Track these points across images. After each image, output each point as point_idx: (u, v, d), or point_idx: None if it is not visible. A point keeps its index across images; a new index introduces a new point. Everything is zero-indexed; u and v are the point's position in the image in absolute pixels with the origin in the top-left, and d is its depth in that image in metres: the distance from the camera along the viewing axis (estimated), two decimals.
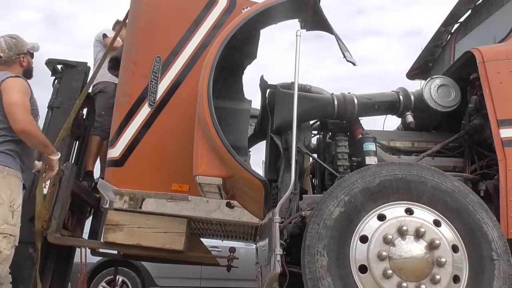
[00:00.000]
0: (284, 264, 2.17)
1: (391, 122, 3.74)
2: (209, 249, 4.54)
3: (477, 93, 2.79)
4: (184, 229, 3.78)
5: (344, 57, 2.91)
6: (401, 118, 3.11)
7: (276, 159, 3.08)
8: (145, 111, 3.81)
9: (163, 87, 3.83)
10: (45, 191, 3.67)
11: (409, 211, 2.26)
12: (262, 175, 2.83)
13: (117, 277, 6.07)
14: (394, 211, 2.25)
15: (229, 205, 3.77)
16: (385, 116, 3.24)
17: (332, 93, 2.99)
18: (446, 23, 4.20)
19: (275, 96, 2.86)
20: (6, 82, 2.94)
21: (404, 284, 2.10)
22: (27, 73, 3.24)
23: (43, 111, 3.55)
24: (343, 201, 2.25)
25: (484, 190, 2.66)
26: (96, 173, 4.61)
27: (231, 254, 5.06)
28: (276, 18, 3.11)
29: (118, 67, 4.06)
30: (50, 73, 4.46)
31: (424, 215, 2.25)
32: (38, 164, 3.24)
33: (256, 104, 3.45)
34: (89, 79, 4.40)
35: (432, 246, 2.17)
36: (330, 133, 3.07)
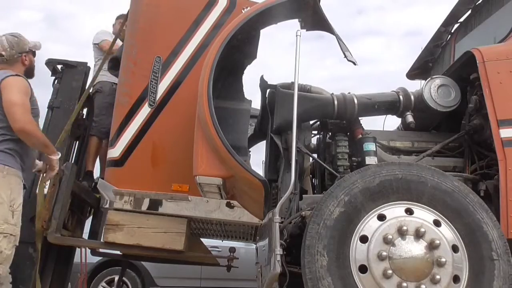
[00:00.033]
0: (284, 264, 2.17)
1: (391, 122, 3.74)
2: (209, 249, 4.54)
3: (477, 93, 2.79)
4: (184, 229, 3.78)
5: (345, 56, 2.91)
6: (401, 118, 3.11)
7: (276, 159, 3.08)
8: (145, 111, 3.81)
9: (163, 87, 3.83)
10: (45, 191, 3.67)
11: (409, 211, 2.26)
12: (262, 175, 2.83)
13: (118, 277, 6.09)
14: (394, 211, 2.25)
15: (229, 205, 3.77)
16: (385, 116, 3.24)
17: (332, 93, 2.99)
18: (446, 23, 4.20)
19: (275, 96, 2.86)
20: (6, 81, 2.93)
21: (404, 284, 2.10)
22: (29, 72, 3.23)
23: (43, 111, 3.55)
24: (343, 201, 2.25)
25: (484, 190, 2.66)
26: (96, 173, 4.61)
27: (231, 254, 5.06)
28: (276, 18, 3.11)
29: (118, 67, 4.06)
30: (50, 73, 4.46)
31: (424, 215, 2.25)
32: (39, 163, 3.23)
33: (256, 104, 3.46)
34: (89, 81, 4.40)
35: (432, 246, 2.17)
36: (330, 133, 3.07)
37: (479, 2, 3.85)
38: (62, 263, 4.19)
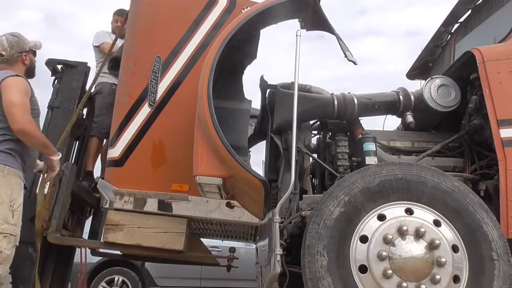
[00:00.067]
0: (284, 264, 2.17)
1: (391, 122, 3.74)
2: (209, 249, 4.54)
3: (477, 93, 2.79)
4: (184, 229, 3.78)
5: (345, 56, 2.91)
6: (401, 118, 3.11)
7: (276, 159, 3.08)
8: (145, 111, 3.81)
9: (163, 87, 3.83)
10: (45, 191, 3.67)
11: (409, 211, 2.26)
12: (262, 175, 2.83)
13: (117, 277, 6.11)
14: (394, 211, 2.25)
15: (229, 205, 3.77)
16: (385, 116, 3.24)
17: (332, 93, 2.99)
18: (446, 23, 4.20)
19: (275, 96, 2.86)
20: (6, 81, 2.93)
21: (404, 284, 2.10)
22: (30, 71, 3.23)
23: (43, 111, 3.54)
24: (343, 201, 2.25)
25: (484, 190, 2.66)
26: (97, 173, 4.62)
27: (231, 254, 5.07)
28: (276, 18, 3.11)
29: (118, 67, 4.07)
30: (50, 73, 4.46)
31: (424, 215, 2.25)
32: (40, 163, 3.23)
33: (256, 104, 3.46)
34: (89, 81, 4.40)
35: (432, 246, 2.17)
36: (330, 133, 3.07)
37: (479, 2, 3.85)
38: (62, 263, 4.19)
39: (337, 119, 2.96)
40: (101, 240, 3.99)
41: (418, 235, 2.18)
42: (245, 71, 3.42)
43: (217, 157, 2.77)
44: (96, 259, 5.77)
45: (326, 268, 2.13)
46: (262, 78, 3.15)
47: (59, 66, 4.43)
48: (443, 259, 2.14)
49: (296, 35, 2.68)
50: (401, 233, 2.19)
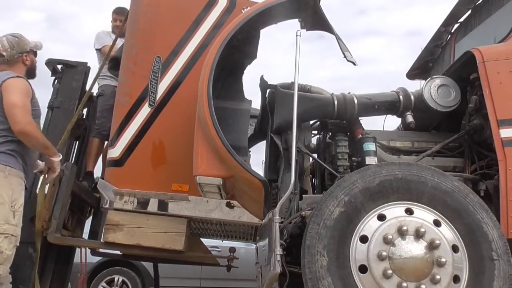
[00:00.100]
0: (284, 264, 2.17)
1: (391, 122, 3.74)
2: (209, 249, 4.54)
3: (477, 93, 2.79)
4: (184, 229, 3.78)
5: (345, 56, 2.91)
6: (401, 118, 3.11)
7: (276, 159, 3.08)
8: (145, 111, 3.81)
9: (163, 87, 3.83)
10: (45, 191, 3.67)
11: (409, 211, 2.26)
12: (262, 175, 2.83)
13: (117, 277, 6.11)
14: (394, 211, 2.25)
15: (229, 205, 3.76)
16: (385, 116, 3.24)
17: (332, 93, 2.99)
18: (446, 23, 4.20)
19: (275, 96, 2.86)
20: (7, 83, 2.93)
21: (404, 284, 2.10)
22: (31, 72, 3.23)
23: (43, 111, 3.54)
24: (343, 201, 2.25)
25: (484, 190, 2.66)
26: (97, 173, 4.62)
27: (231, 254, 5.06)
28: (276, 18, 3.11)
29: (118, 67, 4.07)
30: (50, 73, 4.46)
31: (424, 215, 2.25)
32: (41, 164, 3.23)
33: (256, 104, 3.46)
34: (89, 81, 4.41)
35: (432, 246, 2.17)
36: (330, 133, 3.07)
37: (479, 2, 3.85)
38: (62, 263, 4.18)
39: (337, 119, 2.96)
40: (101, 240, 3.99)
41: (418, 235, 2.18)
42: (245, 71, 3.42)
43: (217, 157, 2.77)
44: (96, 259, 5.77)
45: (326, 268, 2.13)
46: (262, 78, 3.15)
47: (59, 66, 4.44)
48: (443, 259, 2.14)
49: (296, 35, 2.68)
50: (401, 233, 2.19)
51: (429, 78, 3.02)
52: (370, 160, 2.73)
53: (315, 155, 3.05)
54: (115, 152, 3.80)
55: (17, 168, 2.92)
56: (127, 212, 3.74)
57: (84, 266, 4.49)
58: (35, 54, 3.27)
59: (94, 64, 4.87)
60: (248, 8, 3.35)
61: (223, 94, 3.23)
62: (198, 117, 2.89)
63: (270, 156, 3.11)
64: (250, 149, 3.55)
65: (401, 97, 2.98)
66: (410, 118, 2.93)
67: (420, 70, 4.55)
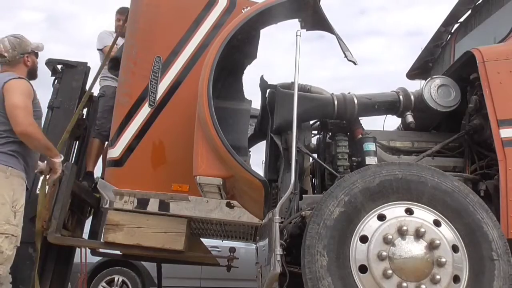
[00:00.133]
0: (284, 264, 2.17)
1: (391, 122, 3.74)
2: (209, 249, 4.54)
3: (477, 93, 2.79)
4: (184, 229, 3.78)
5: (345, 56, 2.91)
6: (401, 118, 3.11)
7: (276, 159, 3.08)
8: (145, 111, 3.81)
9: (163, 87, 3.83)
10: (45, 191, 3.67)
11: (409, 211, 2.26)
12: (262, 175, 2.83)
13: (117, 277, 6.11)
14: (394, 211, 2.25)
15: (229, 205, 3.77)
16: (385, 116, 3.24)
17: (332, 93, 2.99)
18: (446, 23, 4.20)
19: (275, 96, 2.86)
20: (9, 84, 2.94)
21: (404, 284, 2.10)
22: (32, 73, 3.24)
23: (43, 111, 3.54)
24: (343, 201, 2.25)
25: (484, 190, 2.66)
26: (97, 173, 4.62)
27: (231, 254, 5.06)
28: (276, 18, 3.11)
29: (118, 67, 4.07)
30: (50, 73, 4.46)
31: (424, 215, 2.25)
32: (42, 164, 3.24)
33: (256, 104, 3.46)
34: (89, 81, 4.41)
35: (432, 246, 2.17)
36: (330, 133, 3.07)
37: (479, 2, 3.85)
38: (62, 263, 4.19)
39: (337, 119, 2.96)
40: (101, 240, 3.99)
41: (418, 235, 2.18)
42: (245, 71, 3.42)
43: (217, 157, 2.77)
44: (96, 259, 5.77)
45: (326, 268, 2.13)
46: (262, 78, 3.15)
47: (59, 66, 4.44)
48: (443, 259, 2.14)
49: (296, 35, 2.68)
50: (401, 233, 2.19)
51: (429, 78, 3.01)
52: (370, 160, 2.73)
53: (315, 155, 3.05)
54: (115, 152, 3.80)
55: (18, 169, 2.93)
56: (127, 212, 3.74)
57: (84, 266, 4.49)
58: (36, 55, 3.28)
59: (94, 64, 4.88)
60: (248, 8, 3.34)
61: (223, 94, 3.23)
62: (198, 117, 2.89)
63: (270, 156, 3.11)
64: (250, 149, 3.55)
65: (401, 97, 2.98)
66: (410, 118, 2.93)
67: (420, 70, 4.54)
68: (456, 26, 4.19)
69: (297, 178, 2.59)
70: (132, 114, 3.81)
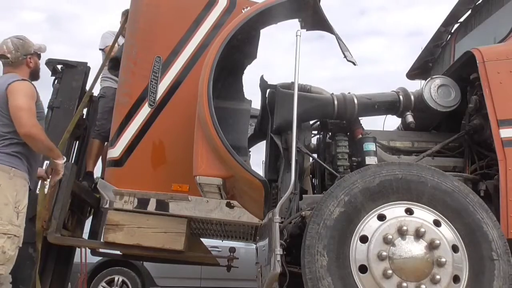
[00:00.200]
0: (284, 264, 2.17)
1: (391, 122, 3.74)
2: (209, 249, 4.54)
3: (477, 93, 2.79)
4: (184, 229, 3.78)
5: (345, 56, 2.91)
6: (401, 118, 3.11)
7: (276, 159, 3.08)
8: (145, 111, 3.81)
9: (163, 87, 3.83)
10: (45, 191, 3.67)
11: (409, 211, 2.26)
12: (262, 175, 2.83)
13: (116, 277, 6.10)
14: (394, 211, 2.25)
15: (229, 205, 3.77)
16: (385, 116, 3.24)
17: (332, 93, 2.99)
18: (446, 23, 4.20)
19: (275, 96, 2.86)
20: (13, 86, 2.96)
21: (404, 284, 2.10)
22: (34, 74, 3.25)
23: None
24: (343, 201, 2.25)
25: (484, 190, 2.66)
26: (97, 173, 4.62)
27: (231, 254, 5.07)
28: (276, 18, 3.11)
29: (118, 67, 4.07)
30: (50, 73, 4.46)
31: (424, 215, 2.25)
32: (41, 170, 3.26)
33: (256, 104, 3.46)
34: (89, 81, 4.41)
35: (432, 246, 2.17)
36: (330, 133, 3.07)
37: (479, 2, 3.85)
38: (62, 263, 4.19)
39: (337, 119, 2.96)
40: (101, 240, 3.99)
41: (418, 235, 2.18)
42: (245, 71, 3.42)
43: (217, 157, 2.77)
44: (96, 259, 5.77)
45: (326, 268, 2.13)
46: (262, 78, 3.15)
47: (59, 66, 4.44)
48: (443, 259, 2.14)
49: (296, 35, 2.68)
50: (401, 233, 2.19)
51: (429, 78, 3.01)
52: (370, 160, 2.73)
53: (315, 155, 3.05)
54: (115, 152, 3.80)
55: (22, 170, 2.94)
56: (127, 212, 3.74)
57: (84, 266, 4.49)
58: (39, 56, 3.29)
59: (95, 64, 4.88)
60: (248, 8, 3.35)
61: (223, 94, 3.23)
62: (198, 117, 2.89)
63: (270, 156, 3.11)
64: (250, 149, 3.55)
65: (401, 97, 2.98)
66: (410, 118, 2.93)
67: (420, 70, 4.54)
68: (456, 26, 4.19)
69: (297, 178, 2.59)
70: (132, 114, 3.81)
